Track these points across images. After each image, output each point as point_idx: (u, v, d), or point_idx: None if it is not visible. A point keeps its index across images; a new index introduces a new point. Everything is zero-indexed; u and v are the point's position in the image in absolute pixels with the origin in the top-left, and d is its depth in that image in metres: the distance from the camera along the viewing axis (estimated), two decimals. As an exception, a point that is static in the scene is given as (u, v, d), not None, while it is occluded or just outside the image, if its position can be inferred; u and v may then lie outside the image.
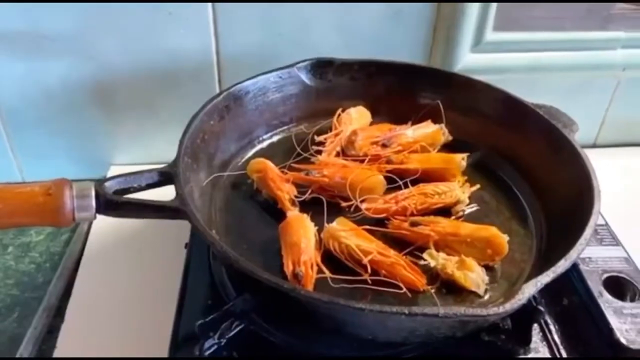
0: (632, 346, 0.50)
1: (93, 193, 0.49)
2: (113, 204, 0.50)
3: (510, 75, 0.77)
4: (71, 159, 0.79)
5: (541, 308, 0.52)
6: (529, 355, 0.51)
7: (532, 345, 0.52)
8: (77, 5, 0.67)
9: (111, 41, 0.70)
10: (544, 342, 0.53)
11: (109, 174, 0.78)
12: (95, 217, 0.50)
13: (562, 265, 0.46)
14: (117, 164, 0.81)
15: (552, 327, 0.54)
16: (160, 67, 0.73)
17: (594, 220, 0.51)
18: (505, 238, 0.54)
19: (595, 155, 0.58)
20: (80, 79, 0.73)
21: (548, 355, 0.52)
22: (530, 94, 0.67)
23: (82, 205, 0.49)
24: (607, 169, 0.57)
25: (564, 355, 0.52)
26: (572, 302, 0.56)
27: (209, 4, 0.69)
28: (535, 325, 0.53)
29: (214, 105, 0.62)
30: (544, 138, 0.62)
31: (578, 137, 0.61)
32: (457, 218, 0.59)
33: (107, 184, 0.51)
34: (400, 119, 0.69)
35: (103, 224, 0.61)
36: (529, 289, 0.44)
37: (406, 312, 0.41)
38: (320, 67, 0.70)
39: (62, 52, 0.70)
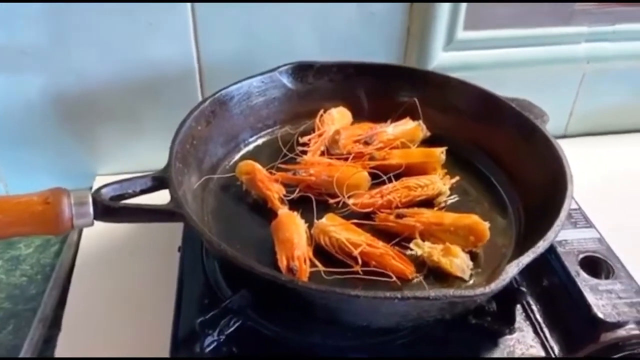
0: (608, 319, 0.53)
1: (90, 200, 0.50)
2: (110, 209, 0.51)
3: (482, 72, 0.79)
4: (55, 171, 0.79)
5: (523, 289, 0.55)
6: (514, 335, 0.54)
7: (516, 324, 0.54)
8: (54, 18, 0.67)
9: (91, 53, 0.70)
10: (527, 322, 0.56)
11: (95, 185, 0.79)
12: (93, 224, 0.51)
13: (541, 246, 0.49)
14: (102, 174, 0.81)
15: (534, 307, 0.57)
16: (141, 77, 0.74)
17: (567, 203, 0.53)
18: (486, 224, 0.56)
19: (566, 145, 0.61)
20: (60, 92, 0.73)
21: (532, 334, 0.55)
22: (501, 89, 0.69)
23: (80, 212, 0.50)
24: (577, 158, 0.60)
25: (546, 332, 0.55)
26: (551, 283, 0.58)
27: (189, 11, 0.70)
28: (518, 306, 0.56)
29: (201, 111, 0.63)
30: (517, 129, 0.65)
31: (549, 128, 0.64)
32: (440, 209, 0.61)
33: (103, 190, 0.52)
34: (379, 118, 0.71)
35: (93, 232, 0.62)
36: (512, 269, 0.46)
37: (399, 296, 0.43)
38: (301, 70, 0.71)
39: (41, 65, 0.70)
